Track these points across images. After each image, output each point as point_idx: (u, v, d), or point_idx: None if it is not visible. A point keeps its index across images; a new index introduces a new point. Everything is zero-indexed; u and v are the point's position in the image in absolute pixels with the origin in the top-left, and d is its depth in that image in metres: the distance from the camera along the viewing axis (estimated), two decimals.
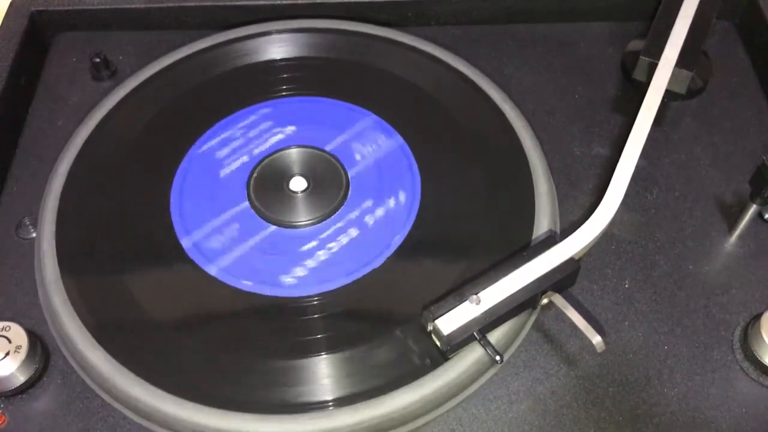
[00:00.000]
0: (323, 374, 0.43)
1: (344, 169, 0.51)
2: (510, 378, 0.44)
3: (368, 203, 0.49)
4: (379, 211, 0.49)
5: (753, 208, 0.49)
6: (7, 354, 0.42)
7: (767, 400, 0.43)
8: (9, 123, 0.55)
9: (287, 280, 0.46)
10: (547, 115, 0.56)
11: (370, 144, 0.52)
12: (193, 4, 0.60)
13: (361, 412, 0.41)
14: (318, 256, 0.47)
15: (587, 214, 0.46)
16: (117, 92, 0.55)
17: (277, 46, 0.58)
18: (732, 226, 0.50)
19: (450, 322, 0.41)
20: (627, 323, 0.46)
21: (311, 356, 0.43)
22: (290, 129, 0.53)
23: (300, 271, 0.46)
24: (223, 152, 0.52)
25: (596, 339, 0.41)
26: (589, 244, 0.45)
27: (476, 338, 0.41)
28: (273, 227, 0.49)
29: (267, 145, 0.52)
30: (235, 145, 0.52)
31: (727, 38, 0.60)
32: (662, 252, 0.49)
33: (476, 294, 0.42)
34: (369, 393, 0.42)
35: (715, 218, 0.50)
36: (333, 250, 0.47)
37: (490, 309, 0.42)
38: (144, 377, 0.42)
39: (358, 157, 0.51)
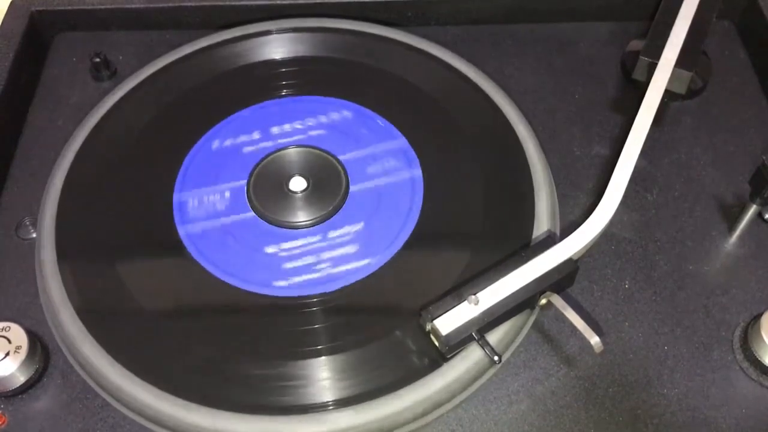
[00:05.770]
0: (323, 375, 0.43)
1: (347, 180, 0.50)
2: (510, 378, 0.44)
3: (359, 217, 0.49)
4: (368, 229, 0.48)
5: (753, 208, 0.49)
6: (7, 354, 0.42)
7: (767, 400, 0.43)
8: (9, 123, 0.55)
9: (258, 276, 0.46)
10: (547, 115, 0.56)
11: (380, 159, 0.51)
12: (192, 4, 0.60)
13: (361, 414, 0.41)
14: (294, 259, 0.47)
15: (587, 214, 0.46)
16: (117, 92, 0.55)
17: (277, 46, 0.58)
18: (732, 226, 0.50)
19: (448, 322, 0.41)
20: (627, 323, 0.46)
21: (311, 357, 0.43)
22: (310, 124, 0.53)
23: (271, 270, 0.46)
24: (242, 138, 0.53)
25: (594, 339, 0.41)
26: (587, 244, 0.45)
27: (475, 338, 0.41)
28: (251, 214, 0.49)
29: (287, 140, 0.53)
30: (257, 133, 0.53)
31: (727, 38, 0.60)
32: (662, 252, 0.49)
33: (474, 294, 0.42)
34: (369, 394, 0.42)
35: (715, 218, 0.50)
36: (309, 257, 0.47)
37: (488, 309, 0.42)
38: (144, 377, 0.42)
39: (365, 170, 0.51)
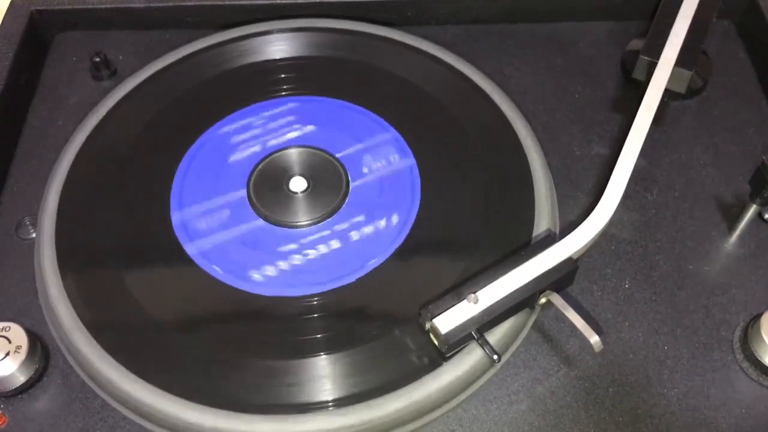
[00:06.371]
0: (323, 375, 0.42)
1: (347, 180, 0.51)
2: (510, 378, 0.44)
3: (360, 218, 0.49)
4: (368, 228, 0.48)
5: (753, 208, 0.49)
6: (7, 354, 0.42)
7: (767, 400, 0.43)
8: (9, 123, 0.55)
9: (255, 276, 0.46)
10: (547, 115, 0.56)
11: (380, 159, 0.51)
12: (192, 3, 0.60)
13: (361, 413, 0.41)
14: (292, 260, 0.47)
15: (587, 214, 0.46)
16: (117, 92, 0.55)
17: (277, 46, 0.58)
18: (732, 226, 0.50)
19: (448, 320, 0.41)
20: (627, 323, 0.46)
21: (311, 356, 0.43)
22: (310, 128, 0.53)
23: (270, 270, 0.46)
24: (238, 138, 0.52)
25: (594, 338, 0.41)
26: (587, 243, 0.45)
27: (474, 338, 0.41)
28: (260, 221, 0.49)
29: (283, 139, 0.52)
30: (252, 132, 0.53)
31: (727, 38, 0.60)
32: (662, 252, 0.49)
33: (474, 293, 0.42)
34: (369, 394, 0.42)
35: (715, 218, 0.50)
36: (309, 257, 0.47)
37: (487, 308, 0.42)
38: (144, 377, 0.42)
39: (365, 169, 0.51)
